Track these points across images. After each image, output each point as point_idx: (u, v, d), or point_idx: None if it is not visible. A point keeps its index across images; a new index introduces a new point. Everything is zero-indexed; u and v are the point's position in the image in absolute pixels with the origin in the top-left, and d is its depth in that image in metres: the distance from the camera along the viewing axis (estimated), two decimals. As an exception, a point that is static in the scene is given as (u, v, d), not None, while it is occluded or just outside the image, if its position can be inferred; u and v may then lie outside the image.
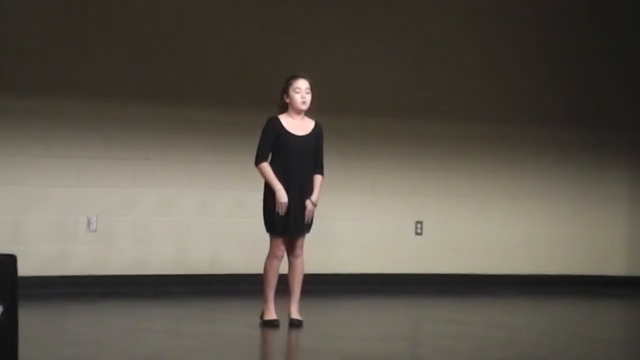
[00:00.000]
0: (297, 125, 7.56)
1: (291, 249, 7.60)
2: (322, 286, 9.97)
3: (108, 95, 9.83)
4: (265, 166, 7.50)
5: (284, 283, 7.64)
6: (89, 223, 9.80)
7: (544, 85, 11.54)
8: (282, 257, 7.58)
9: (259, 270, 7.64)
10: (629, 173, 11.87)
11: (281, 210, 7.43)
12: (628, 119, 11.83)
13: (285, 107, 7.58)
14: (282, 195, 7.42)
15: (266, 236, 7.60)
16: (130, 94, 9.92)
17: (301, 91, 7.51)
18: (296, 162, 7.50)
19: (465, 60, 11.19)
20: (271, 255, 7.56)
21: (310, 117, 7.64)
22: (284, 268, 7.66)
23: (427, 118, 11.02)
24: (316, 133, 7.59)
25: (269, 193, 7.51)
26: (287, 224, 7.47)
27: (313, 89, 7.57)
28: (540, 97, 11.50)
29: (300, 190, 7.50)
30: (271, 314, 7.60)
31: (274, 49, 10.36)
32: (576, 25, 11.63)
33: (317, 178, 7.59)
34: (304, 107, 7.52)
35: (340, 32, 10.71)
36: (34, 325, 7.22)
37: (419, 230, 11.09)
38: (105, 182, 9.88)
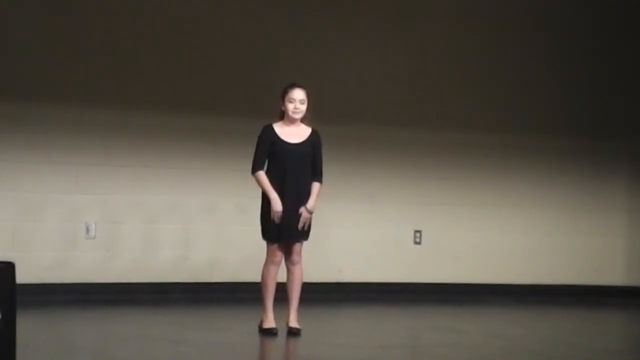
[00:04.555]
0: (292, 132, 7.58)
1: (288, 256, 7.61)
2: (320, 294, 9.97)
3: (107, 102, 9.84)
4: (261, 175, 7.52)
5: (283, 291, 7.64)
6: (87, 230, 9.80)
7: (543, 93, 11.54)
8: (279, 263, 7.59)
9: (259, 277, 7.64)
10: (628, 182, 11.87)
11: (276, 218, 7.45)
12: (627, 127, 11.83)
13: (283, 115, 7.62)
14: (277, 204, 7.45)
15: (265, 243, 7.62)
16: (129, 101, 9.93)
17: (295, 102, 7.54)
18: (291, 170, 7.52)
19: (463, 68, 11.20)
20: (268, 262, 7.59)
21: (307, 124, 7.65)
22: (283, 276, 7.66)
23: (425, 126, 11.03)
24: (312, 140, 7.61)
25: (265, 201, 7.54)
26: (281, 231, 7.49)
27: (310, 98, 7.59)
28: (539, 106, 11.50)
29: (296, 197, 7.51)
30: (270, 322, 7.61)
31: (274, 57, 10.37)
32: (575, 32, 11.63)
33: (315, 185, 7.60)
34: (296, 117, 7.54)
35: (340, 40, 10.72)
36: (32, 332, 7.22)
37: (417, 239, 11.09)
38: (104, 189, 9.88)
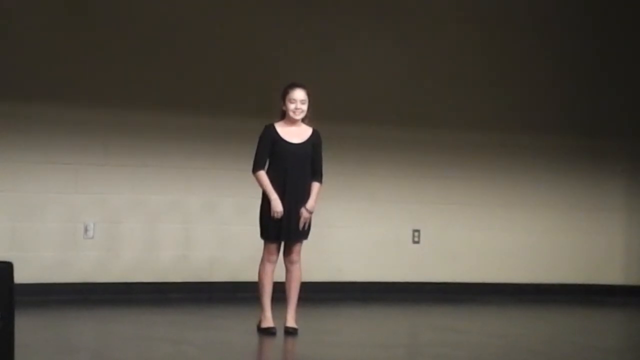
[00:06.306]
0: (293, 132, 7.59)
1: (287, 255, 7.62)
2: (319, 294, 9.99)
3: (107, 101, 9.85)
4: (262, 174, 7.53)
5: (282, 291, 7.65)
6: (86, 230, 9.80)
7: (543, 93, 11.55)
8: (275, 261, 7.60)
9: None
10: (627, 181, 11.88)
11: (276, 216, 7.45)
12: (626, 127, 11.84)
13: (284, 114, 7.62)
14: (277, 205, 7.45)
15: (266, 243, 7.65)
16: (129, 101, 9.94)
17: (296, 102, 7.54)
18: (292, 169, 7.52)
19: (463, 68, 11.21)
20: (264, 261, 7.59)
21: (309, 124, 7.66)
22: (282, 276, 7.67)
23: (425, 126, 11.04)
24: (313, 140, 7.62)
25: (265, 200, 7.55)
26: (280, 230, 7.50)
27: (310, 97, 7.59)
28: (538, 105, 11.51)
29: (296, 197, 7.52)
30: (268, 322, 7.61)
31: (274, 56, 10.38)
32: (574, 32, 11.63)
33: (315, 185, 7.61)
34: (297, 117, 7.55)
35: (340, 40, 10.73)
36: (31, 332, 7.23)
37: (416, 239, 11.10)
38: (103, 188, 9.89)
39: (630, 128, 11.84)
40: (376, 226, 10.93)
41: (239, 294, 9.88)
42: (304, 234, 7.62)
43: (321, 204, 7.89)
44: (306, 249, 7.71)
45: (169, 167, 10.15)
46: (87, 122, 9.80)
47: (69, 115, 9.75)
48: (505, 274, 11.31)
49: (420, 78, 11.07)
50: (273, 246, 7.57)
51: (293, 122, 7.59)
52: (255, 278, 7.71)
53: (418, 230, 11.11)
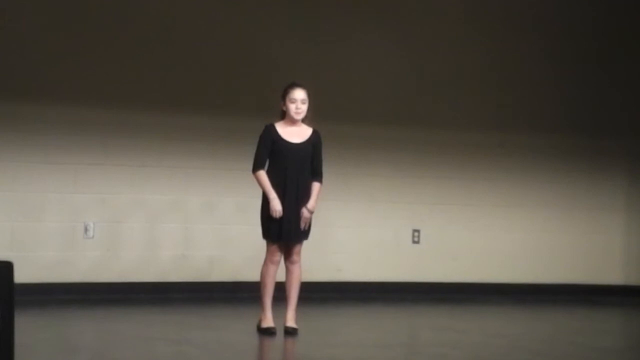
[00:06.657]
0: (293, 132, 7.59)
1: (288, 255, 7.63)
2: (319, 294, 9.99)
3: (106, 101, 9.85)
4: (262, 174, 7.53)
5: (282, 290, 7.66)
6: (86, 230, 9.81)
7: (543, 93, 11.55)
8: (278, 262, 7.61)
9: (259, 277, 7.65)
10: (627, 181, 11.88)
11: (276, 215, 7.45)
12: (626, 126, 11.84)
13: (284, 114, 7.63)
14: (276, 204, 7.46)
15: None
16: (128, 101, 9.94)
17: (296, 102, 7.55)
18: (292, 169, 7.53)
19: (463, 68, 11.21)
20: (267, 262, 7.60)
21: (308, 124, 7.67)
22: (282, 276, 7.67)
23: (425, 126, 11.04)
24: (313, 140, 7.63)
25: (265, 200, 7.56)
26: (281, 231, 7.50)
27: (310, 97, 7.60)
28: (538, 105, 11.51)
29: (296, 197, 7.53)
30: (268, 322, 7.62)
31: (273, 56, 10.38)
32: (576, 33, 11.64)
33: (315, 185, 7.62)
34: (298, 117, 7.56)
35: (340, 40, 10.73)
36: (31, 332, 7.23)
37: (416, 239, 11.10)
38: (103, 188, 9.89)
39: (630, 128, 11.85)
40: (376, 226, 10.93)
41: (239, 294, 9.87)
42: (305, 234, 7.63)
43: (321, 204, 7.90)
44: (306, 249, 7.72)
45: (169, 167, 10.15)
46: (86, 121, 9.80)
47: (68, 115, 9.75)
48: (504, 274, 11.32)
49: (420, 78, 11.07)
50: (275, 247, 7.58)
51: (293, 122, 7.59)
52: (255, 278, 7.72)
53: (418, 230, 11.11)
